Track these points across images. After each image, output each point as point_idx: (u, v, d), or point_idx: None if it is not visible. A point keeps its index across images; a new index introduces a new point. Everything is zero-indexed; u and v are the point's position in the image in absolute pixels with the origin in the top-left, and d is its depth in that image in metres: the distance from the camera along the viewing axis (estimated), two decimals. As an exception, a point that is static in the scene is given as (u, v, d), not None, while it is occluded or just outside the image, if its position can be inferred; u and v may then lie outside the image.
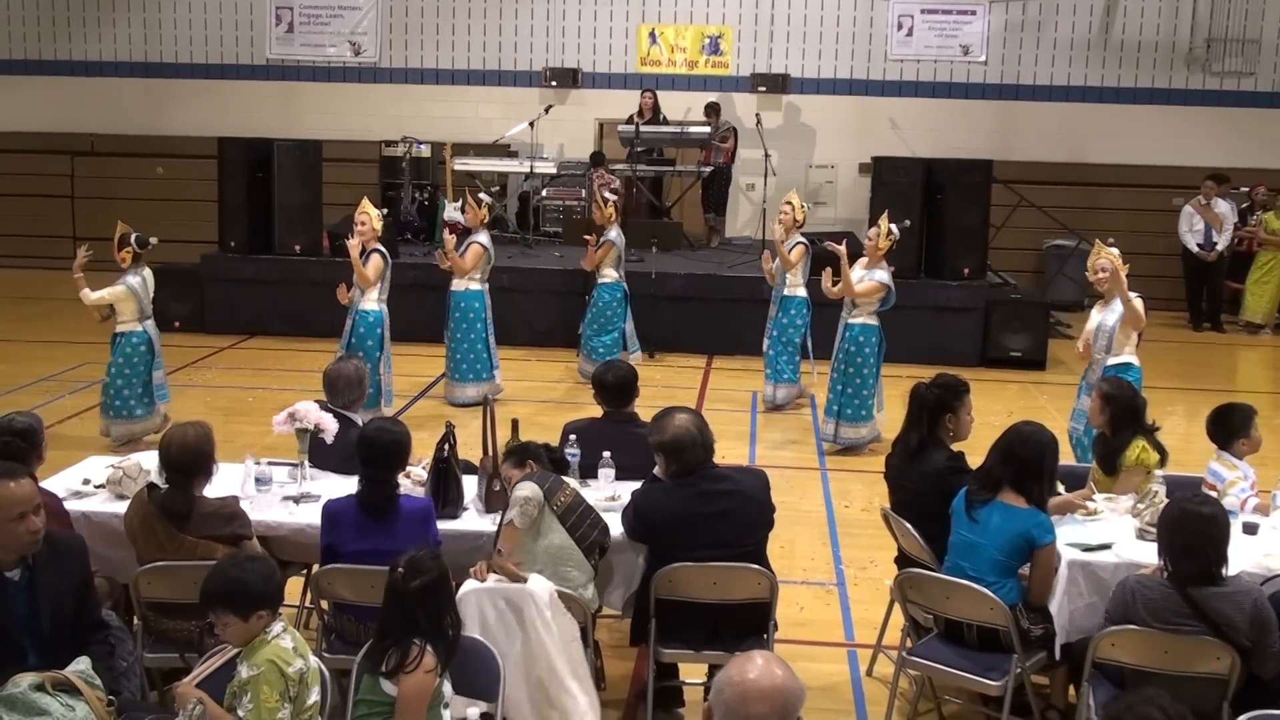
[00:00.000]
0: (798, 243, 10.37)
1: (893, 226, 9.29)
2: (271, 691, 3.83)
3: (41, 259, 17.00)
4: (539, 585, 4.79)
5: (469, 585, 4.80)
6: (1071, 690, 5.22)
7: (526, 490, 4.90)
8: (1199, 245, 14.90)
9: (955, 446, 5.73)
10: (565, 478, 5.19)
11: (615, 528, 5.14)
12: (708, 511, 5.01)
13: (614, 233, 11.24)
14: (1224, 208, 14.91)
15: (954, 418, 5.73)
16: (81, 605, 4.35)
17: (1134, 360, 7.53)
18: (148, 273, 9.06)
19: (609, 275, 11.24)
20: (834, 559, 7.37)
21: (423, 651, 4.00)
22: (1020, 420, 5.37)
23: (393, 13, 16.95)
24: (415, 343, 11.61)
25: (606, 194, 11.77)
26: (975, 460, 5.41)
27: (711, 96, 16.28)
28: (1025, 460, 5.07)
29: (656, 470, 5.19)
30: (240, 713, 3.86)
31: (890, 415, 9.86)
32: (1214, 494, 5.70)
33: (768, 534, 5.20)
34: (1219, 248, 14.89)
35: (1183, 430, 9.74)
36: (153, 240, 9.05)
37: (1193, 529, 4.41)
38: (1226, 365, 13.89)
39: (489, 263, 10.50)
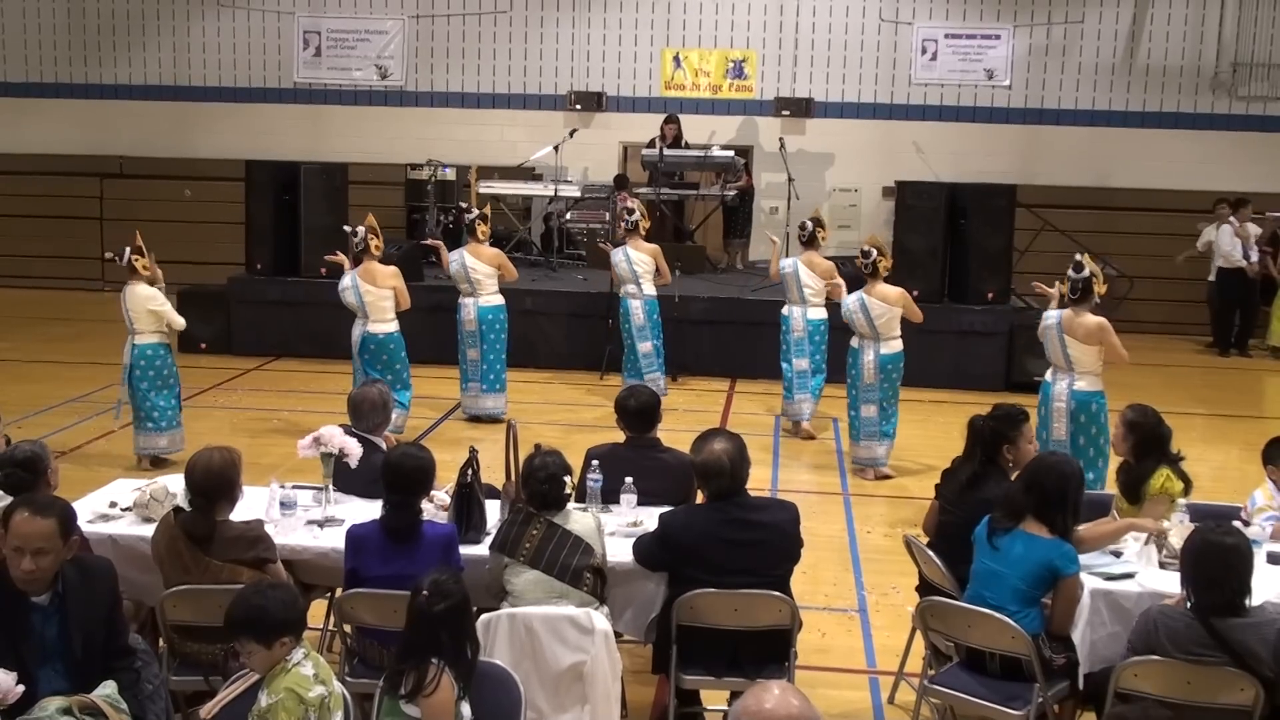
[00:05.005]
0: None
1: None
2: (290, 719, 3.86)
3: (70, 280, 17.17)
4: (601, 621, 4.79)
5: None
6: (1090, 717, 5.20)
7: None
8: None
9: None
10: (541, 511, 5.02)
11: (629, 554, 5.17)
12: (736, 539, 5.01)
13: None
14: (1252, 229, 14.87)
15: (1013, 448, 5.71)
16: (110, 630, 4.37)
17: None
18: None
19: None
20: (856, 585, 7.36)
21: (440, 672, 4.02)
22: (1046, 450, 5.35)
23: (419, 37, 17.08)
24: (436, 364, 11.63)
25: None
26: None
27: (736, 120, 16.32)
28: (1048, 490, 5.04)
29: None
30: (261, 740, 3.88)
31: (907, 440, 9.86)
32: (1244, 515, 5.70)
33: (794, 566, 5.20)
34: (1253, 261, 14.82)
35: (1208, 458, 9.67)
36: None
37: (1216, 559, 4.39)
38: (1254, 391, 13.81)
39: None
